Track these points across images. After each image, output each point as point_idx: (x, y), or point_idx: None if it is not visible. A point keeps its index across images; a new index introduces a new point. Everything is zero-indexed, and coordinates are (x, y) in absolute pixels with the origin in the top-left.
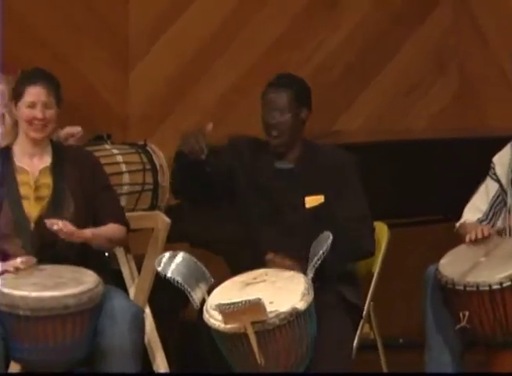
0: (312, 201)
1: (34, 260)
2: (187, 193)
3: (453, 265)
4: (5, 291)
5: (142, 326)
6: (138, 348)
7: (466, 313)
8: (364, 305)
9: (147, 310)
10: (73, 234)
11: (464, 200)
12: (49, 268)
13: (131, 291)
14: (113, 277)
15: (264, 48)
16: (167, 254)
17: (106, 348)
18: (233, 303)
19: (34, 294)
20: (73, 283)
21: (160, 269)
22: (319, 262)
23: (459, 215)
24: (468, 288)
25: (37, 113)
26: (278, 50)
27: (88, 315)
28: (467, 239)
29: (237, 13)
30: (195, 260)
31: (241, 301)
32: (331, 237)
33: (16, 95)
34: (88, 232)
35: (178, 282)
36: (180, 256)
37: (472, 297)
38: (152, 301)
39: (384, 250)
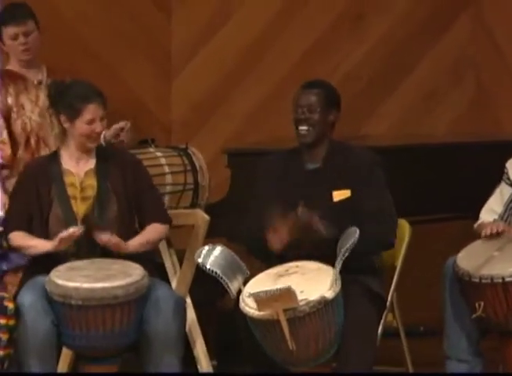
0: (340, 195)
1: (81, 229)
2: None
3: (469, 259)
4: (59, 282)
5: (184, 314)
6: (180, 335)
7: (482, 303)
8: (387, 296)
9: (188, 300)
10: (119, 246)
11: (480, 199)
12: (99, 261)
13: (173, 283)
14: (157, 270)
15: (295, 59)
16: (206, 248)
17: (151, 335)
18: (266, 291)
19: (86, 285)
20: (121, 276)
21: (200, 260)
22: (347, 254)
23: (474, 213)
24: (483, 280)
25: (97, 127)
26: (309, 60)
27: (134, 304)
28: (483, 234)
29: (271, 27)
30: (232, 253)
31: (273, 289)
32: (358, 232)
33: (72, 113)
34: (130, 247)
35: (216, 273)
36: (218, 249)
37: (487, 288)
38: (191, 292)
39: (406, 244)
